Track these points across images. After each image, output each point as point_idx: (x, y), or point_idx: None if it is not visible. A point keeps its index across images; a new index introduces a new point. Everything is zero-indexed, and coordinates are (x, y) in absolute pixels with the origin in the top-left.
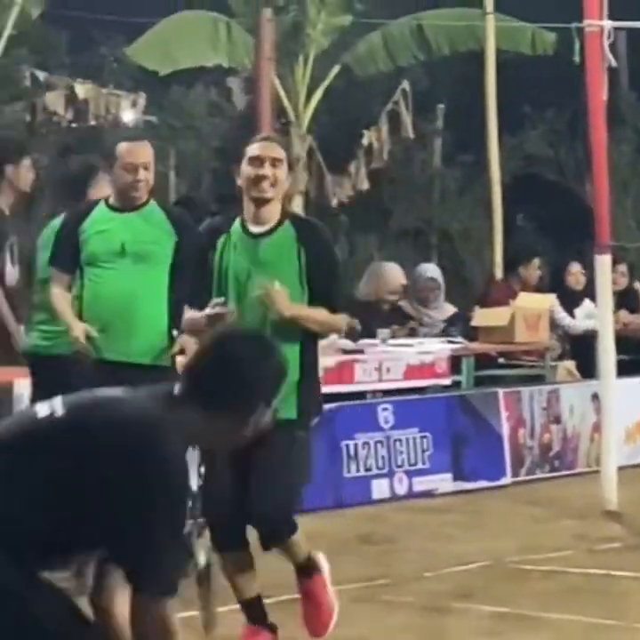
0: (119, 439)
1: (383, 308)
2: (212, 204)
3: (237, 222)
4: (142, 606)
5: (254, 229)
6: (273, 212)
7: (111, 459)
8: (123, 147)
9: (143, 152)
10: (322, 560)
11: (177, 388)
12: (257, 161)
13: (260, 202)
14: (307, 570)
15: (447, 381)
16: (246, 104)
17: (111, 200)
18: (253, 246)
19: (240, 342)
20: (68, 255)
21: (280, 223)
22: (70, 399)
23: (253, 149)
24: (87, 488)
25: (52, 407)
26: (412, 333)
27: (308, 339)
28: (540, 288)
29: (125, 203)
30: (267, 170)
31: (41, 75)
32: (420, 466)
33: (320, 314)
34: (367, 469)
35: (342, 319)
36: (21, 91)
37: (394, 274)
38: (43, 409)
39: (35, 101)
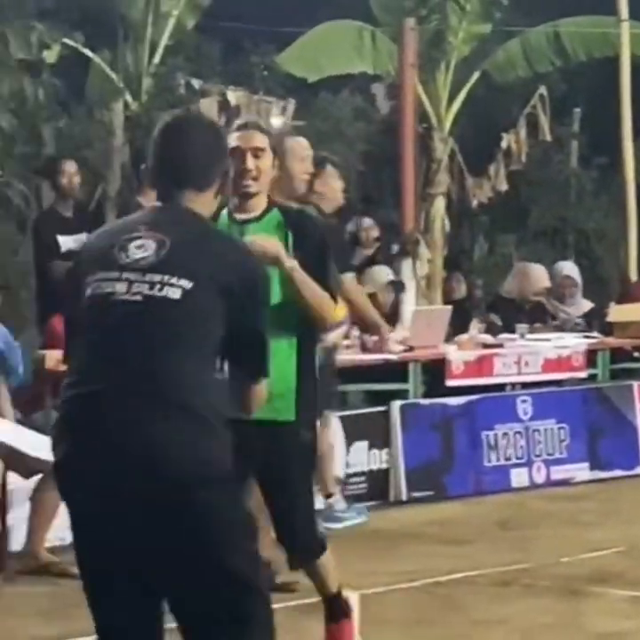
0: (236, 266)
1: (526, 307)
2: (359, 204)
3: (224, 212)
4: (254, 392)
5: (241, 216)
6: (259, 203)
7: (240, 282)
8: (296, 140)
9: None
10: (353, 602)
11: (163, 203)
12: (237, 152)
13: (245, 196)
14: (335, 612)
15: (583, 374)
16: (390, 109)
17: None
18: (240, 232)
19: (192, 122)
20: None
21: (267, 211)
22: (164, 279)
23: (232, 140)
24: (224, 321)
25: (170, 286)
26: (556, 331)
27: (305, 342)
28: None
29: (297, 195)
30: (248, 162)
31: (195, 82)
32: (557, 455)
33: (313, 283)
34: (507, 459)
35: (333, 306)
36: (177, 98)
37: (539, 276)
38: (163, 291)
39: (189, 108)
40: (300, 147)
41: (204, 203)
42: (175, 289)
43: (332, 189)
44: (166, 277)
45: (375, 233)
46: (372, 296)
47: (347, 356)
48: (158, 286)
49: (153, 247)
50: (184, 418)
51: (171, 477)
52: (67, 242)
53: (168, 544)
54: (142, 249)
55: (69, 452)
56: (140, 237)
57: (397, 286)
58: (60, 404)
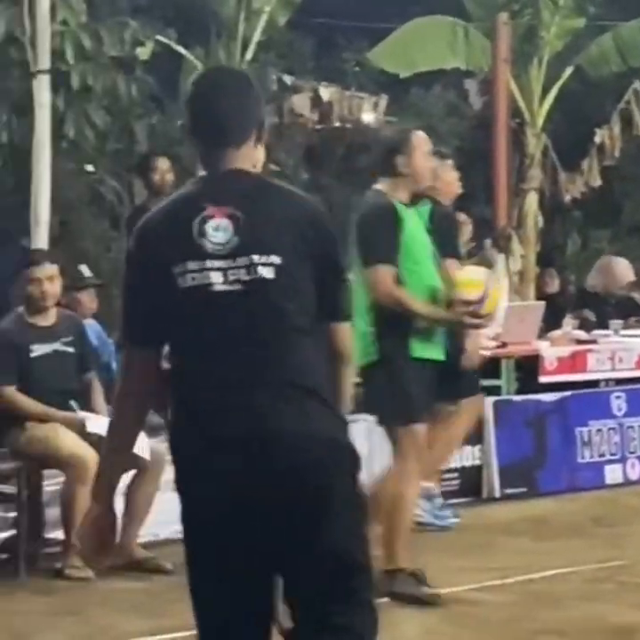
0: (314, 223)
1: (611, 301)
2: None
3: None
4: (345, 333)
5: None
6: None
7: (324, 244)
8: (420, 135)
9: None
10: None
11: (209, 169)
12: None
13: None
14: None
15: None
16: (483, 105)
17: (398, 194)
18: None
19: (221, 77)
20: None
21: None
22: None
23: None
24: (312, 286)
25: (263, 266)
26: None
27: None
28: None
29: (420, 191)
30: None
31: (288, 78)
32: None
33: None
34: (600, 455)
35: None
36: (269, 94)
37: (622, 270)
38: (258, 273)
39: (282, 104)
40: (423, 141)
41: (245, 156)
42: (268, 268)
43: (447, 182)
44: (256, 257)
45: (469, 228)
46: None
47: None
48: (252, 269)
49: (230, 227)
50: (309, 404)
51: (300, 467)
52: None
53: (295, 536)
54: (220, 231)
55: (194, 446)
56: (212, 217)
57: None
58: (176, 402)
